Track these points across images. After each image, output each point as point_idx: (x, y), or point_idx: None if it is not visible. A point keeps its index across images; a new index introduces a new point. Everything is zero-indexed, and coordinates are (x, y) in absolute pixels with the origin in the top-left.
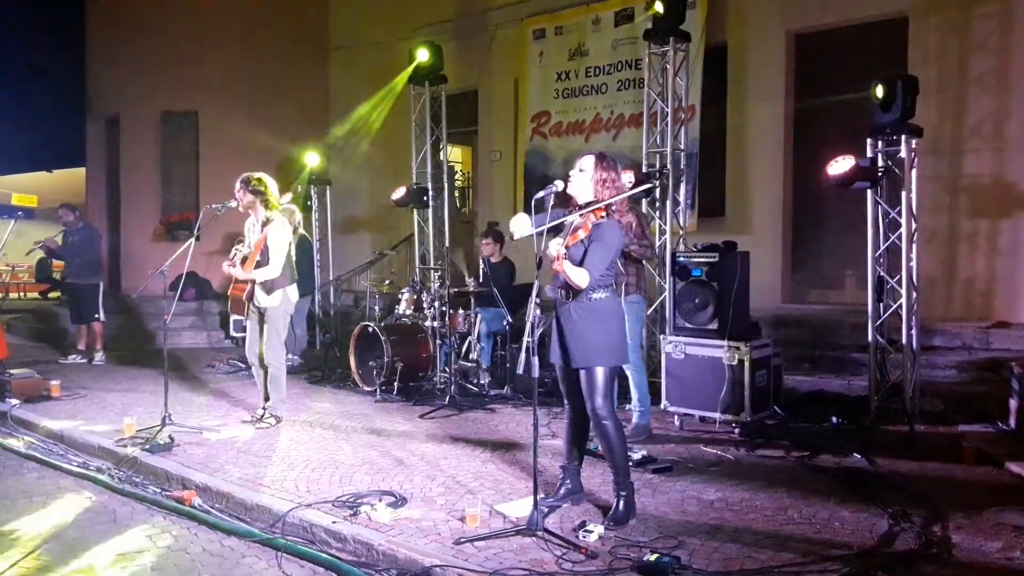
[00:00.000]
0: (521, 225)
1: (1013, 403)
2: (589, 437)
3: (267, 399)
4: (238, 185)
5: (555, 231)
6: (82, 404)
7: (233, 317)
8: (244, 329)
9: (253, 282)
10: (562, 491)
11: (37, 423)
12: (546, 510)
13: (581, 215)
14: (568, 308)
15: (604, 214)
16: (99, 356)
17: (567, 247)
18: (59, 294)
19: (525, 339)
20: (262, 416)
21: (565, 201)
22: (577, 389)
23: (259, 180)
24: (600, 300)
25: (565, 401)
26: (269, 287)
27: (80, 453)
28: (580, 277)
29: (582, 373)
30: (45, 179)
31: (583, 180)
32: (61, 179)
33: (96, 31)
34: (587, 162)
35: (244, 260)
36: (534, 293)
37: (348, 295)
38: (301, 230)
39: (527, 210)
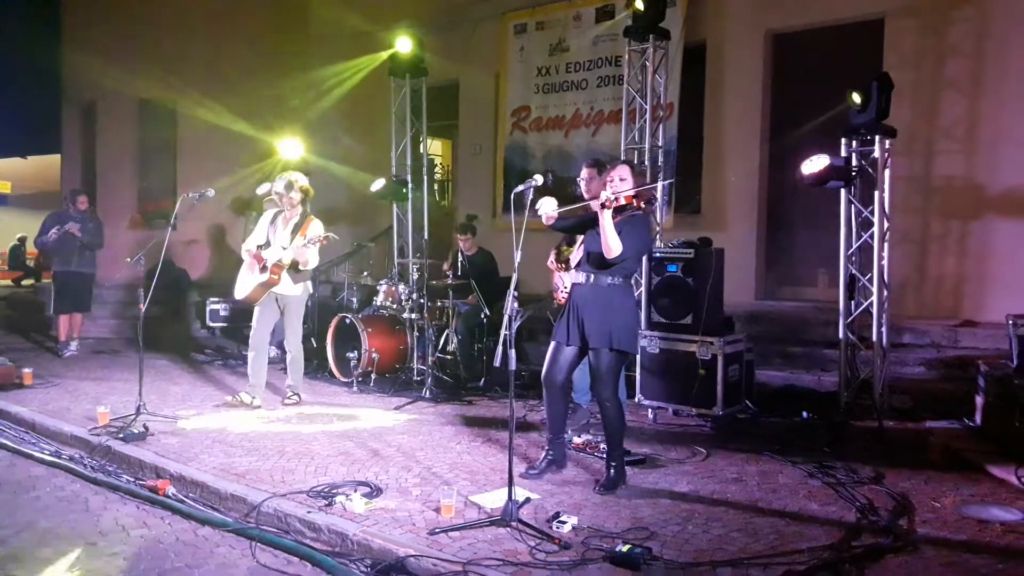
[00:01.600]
0: (547, 204)
1: (979, 400)
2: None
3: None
4: (283, 186)
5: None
6: (55, 392)
7: (210, 308)
8: (222, 320)
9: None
10: (544, 462)
11: (8, 411)
12: (521, 500)
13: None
14: (589, 290)
15: (643, 205)
16: (74, 345)
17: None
18: (33, 282)
19: (503, 332)
20: (288, 395)
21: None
22: (571, 367)
23: (305, 187)
24: (619, 286)
25: (550, 379)
26: (297, 278)
27: (52, 442)
28: (615, 242)
29: (592, 353)
30: (18, 165)
31: (626, 185)
32: (35, 165)
33: (72, 14)
34: (624, 171)
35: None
36: (512, 286)
37: (326, 286)
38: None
39: (506, 206)
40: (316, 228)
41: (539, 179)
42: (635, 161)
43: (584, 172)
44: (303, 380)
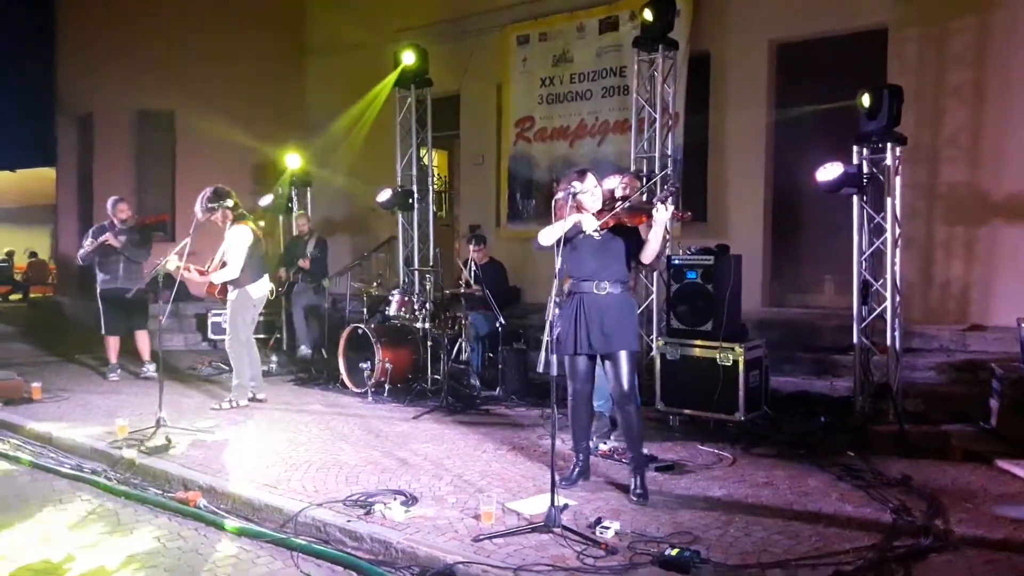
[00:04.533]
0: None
1: (994, 403)
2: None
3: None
4: (205, 204)
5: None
6: (66, 407)
7: (211, 320)
8: (223, 332)
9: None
10: (576, 471)
11: (22, 426)
12: (563, 506)
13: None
14: (601, 298)
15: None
16: (150, 368)
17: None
18: (20, 296)
19: (545, 338)
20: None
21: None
22: (591, 375)
23: (213, 203)
24: (627, 293)
25: (575, 391)
26: (232, 284)
27: (71, 456)
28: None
29: (610, 358)
30: (6, 179)
31: (599, 191)
32: (25, 179)
33: (67, 24)
34: (591, 181)
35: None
36: (553, 292)
37: (326, 297)
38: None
39: (518, 213)
40: (232, 236)
41: (578, 186)
42: (644, 170)
43: (625, 179)
44: (319, 392)
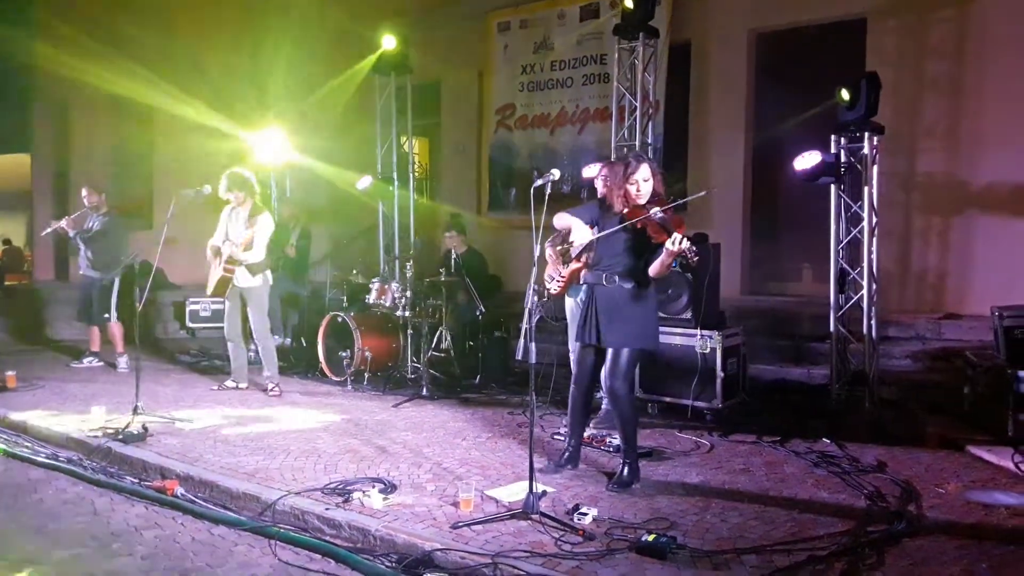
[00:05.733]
0: (579, 232)
1: (968, 391)
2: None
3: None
4: (223, 188)
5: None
6: (41, 395)
7: (189, 308)
8: (202, 320)
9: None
10: (565, 456)
11: None
12: (541, 493)
13: (664, 211)
14: (611, 290)
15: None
16: (123, 361)
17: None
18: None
19: (524, 325)
20: (270, 388)
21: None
22: (596, 367)
23: (240, 182)
24: (643, 288)
25: (579, 380)
26: (253, 269)
27: (47, 445)
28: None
29: (611, 352)
30: None
31: (649, 186)
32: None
33: (45, 8)
34: (646, 171)
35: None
36: (532, 280)
37: (306, 286)
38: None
39: (499, 201)
40: (263, 223)
41: (556, 173)
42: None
43: (604, 170)
44: (297, 380)
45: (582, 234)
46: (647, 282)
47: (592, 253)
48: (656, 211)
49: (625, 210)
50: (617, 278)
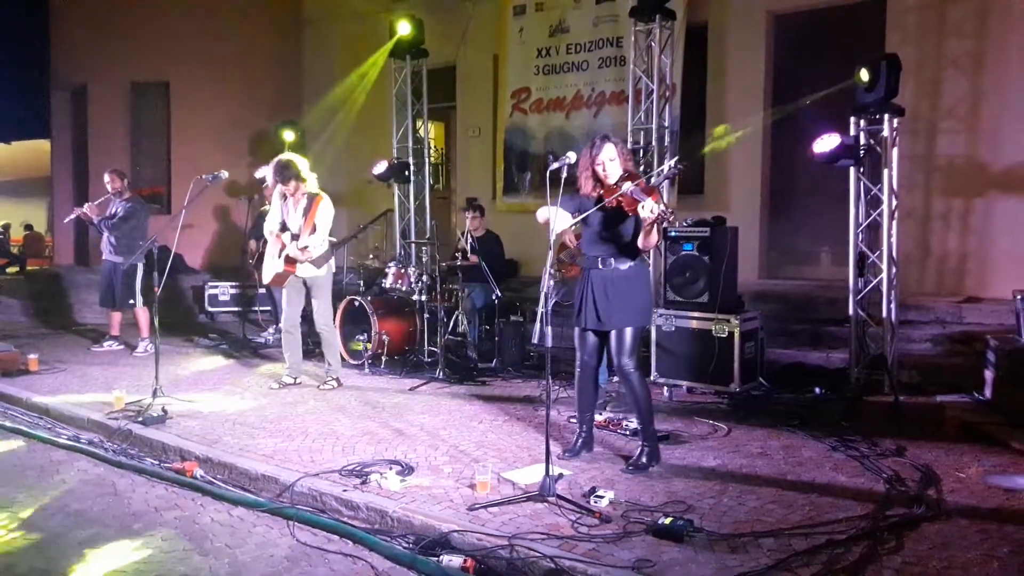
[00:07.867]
0: (561, 221)
1: (989, 374)
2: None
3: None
4: (271, 176)
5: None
6: (63, 378)
7: (208, 292)
8: (222, 304)
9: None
10: (579, 442)
11: (19, 397)
12: (558, 476)
13: (636, 184)
14: (607, 273)
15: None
16: (143, 345)
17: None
18: (17, 269)
19: (540, 309)
20: (325, 380)
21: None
22: (598, 350)
23: (290, 168)
24: (637, 266)
25: (583, 364)
26: (318, 261)
27: (68, 427)
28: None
29: (614, 332)
30: (1, 151)
31: (615, 166)
32: (19, 151)
33: None
34: (611, 150)
35: (293, 236)
36: (548, 264)
37: None
38: None
39: (514, 185)
40: (324, 210)
41: (572, 157)
42: (641, 143)
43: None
44: (313, 364)
45: (562, 221)
46: (637, 255)
47: (586, 240)
48: (628, 186)
49: (600, 192)
50: (612, 260)
